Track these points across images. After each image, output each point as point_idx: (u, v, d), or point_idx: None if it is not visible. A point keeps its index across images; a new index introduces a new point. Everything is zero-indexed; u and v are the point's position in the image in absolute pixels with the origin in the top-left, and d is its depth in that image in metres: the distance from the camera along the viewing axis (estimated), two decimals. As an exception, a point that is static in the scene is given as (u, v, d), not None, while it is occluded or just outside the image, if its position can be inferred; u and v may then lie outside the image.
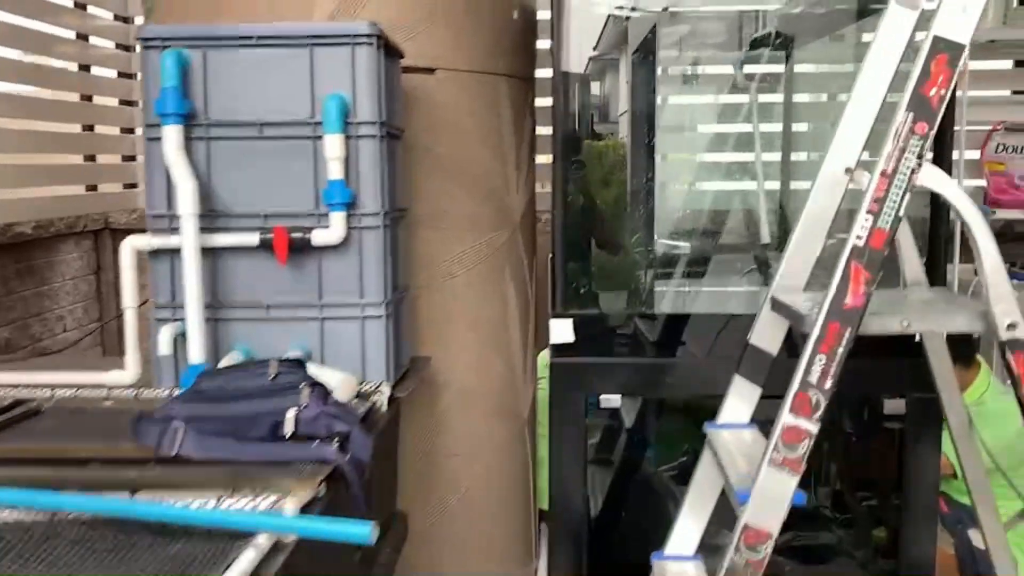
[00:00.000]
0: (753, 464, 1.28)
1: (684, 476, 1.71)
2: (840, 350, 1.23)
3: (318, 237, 1.89)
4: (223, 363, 1.77)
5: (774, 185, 3.01)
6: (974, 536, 2.52)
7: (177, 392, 1.68)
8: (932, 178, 1.23)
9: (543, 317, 2.92)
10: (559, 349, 1.98)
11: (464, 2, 2.42)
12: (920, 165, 1.22)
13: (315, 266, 1.93)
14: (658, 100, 2.94)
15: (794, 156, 3.05)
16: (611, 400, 1.98)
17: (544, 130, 2.74)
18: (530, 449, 2.79)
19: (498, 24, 2.56)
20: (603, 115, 2.94)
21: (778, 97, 2.98)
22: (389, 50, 2.03)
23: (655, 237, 2.53)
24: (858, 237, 1.23)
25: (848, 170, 1.53)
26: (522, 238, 2.72)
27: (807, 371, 1.23)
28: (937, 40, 1.21)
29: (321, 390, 1.54)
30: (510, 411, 2.71)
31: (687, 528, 1.59)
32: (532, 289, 2.79)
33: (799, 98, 2.97)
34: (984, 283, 1.22)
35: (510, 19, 2.59)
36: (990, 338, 2.94)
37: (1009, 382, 2.51)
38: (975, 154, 3.17)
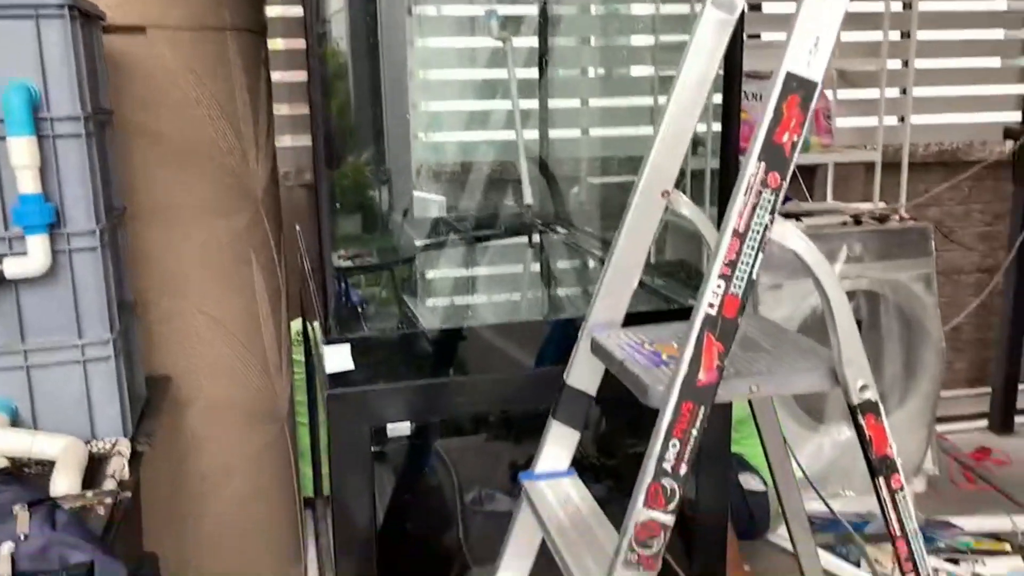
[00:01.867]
0: (597, 557, 1.13)
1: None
2: (694, 432, 1.09)
3: (11, 268, 1.49)
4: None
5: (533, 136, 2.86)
6: (746, 479, 2.61)
7: None
8: (786, 236, 1.10)
9: (294, 287, 2.62)
10: (336, 379, 1.71)
11: (175, -59, 2.00)
12: (773, 221, 1.08)
13: (11, 303, 1.52)
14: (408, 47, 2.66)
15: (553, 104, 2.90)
16: (399, 429, 1.76)
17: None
18: (291, 447, 2.52)
19: (220, -33, 2.15)
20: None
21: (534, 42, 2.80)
22: (86, 14, 1.60)
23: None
24: (710, 305, 1.08)
25: (665, 193, 1.38)
26: (266, 214, 2.38)
27: (660, 459, 1.08)
28: (790, 78, 1.06)
29: (45, 509, 1.19)
30: (268, 414, 2.42)
31: (508, 589, 1.44)
32: (282, 269, 2.47)
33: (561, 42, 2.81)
34: (836, 343, 1.12)
35: (233, -41, 2.18)
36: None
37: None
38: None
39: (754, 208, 1.07)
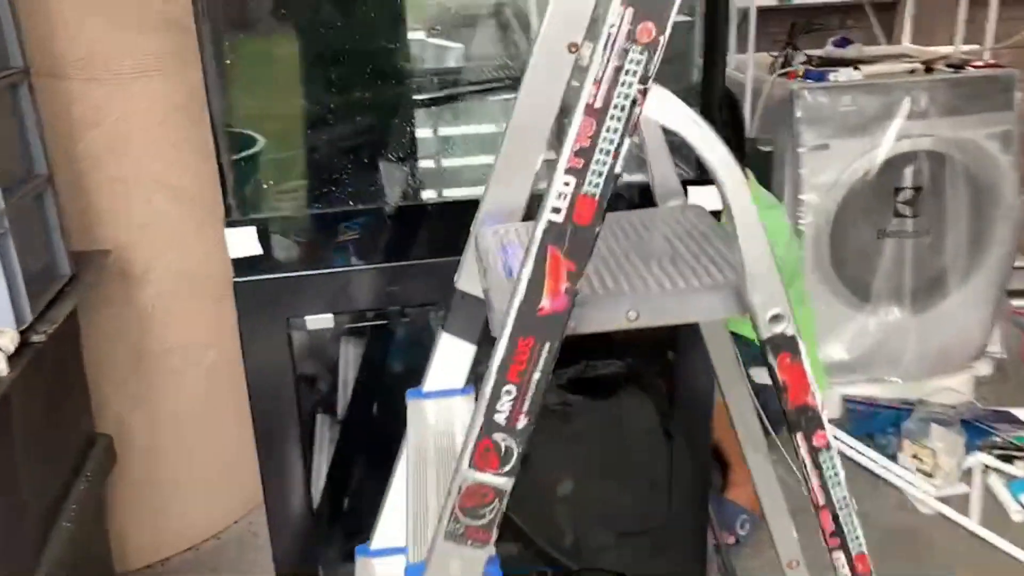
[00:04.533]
0: (443, 496, 0.91)
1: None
2: (537, 375, 0.83)
3: None
4: None
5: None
6: (755, 373, 2.34)
7: None
8: (668, 113, 0.79)
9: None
10: (242, 265, 1.50)
11: None
12: (645, 93, 0.77)
13: None
14: None
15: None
16: (320, 321, 1.55)
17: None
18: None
19: None
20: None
21: None
22: None
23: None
24: (554, 211, 0.79)
25: (573, 46, 1.07)
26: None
27: (491, 408, 0.83)
28: None
29: None
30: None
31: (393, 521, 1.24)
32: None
33: None
34: (740, 260, 0.83)
35: None
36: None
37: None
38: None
39: (617, 73, 0.77)
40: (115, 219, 2.06)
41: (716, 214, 1.60)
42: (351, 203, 1.56)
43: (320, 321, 1.58)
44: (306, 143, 1.61)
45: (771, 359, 0.86)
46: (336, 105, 1.56)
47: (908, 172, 2.54)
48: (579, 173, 0.79)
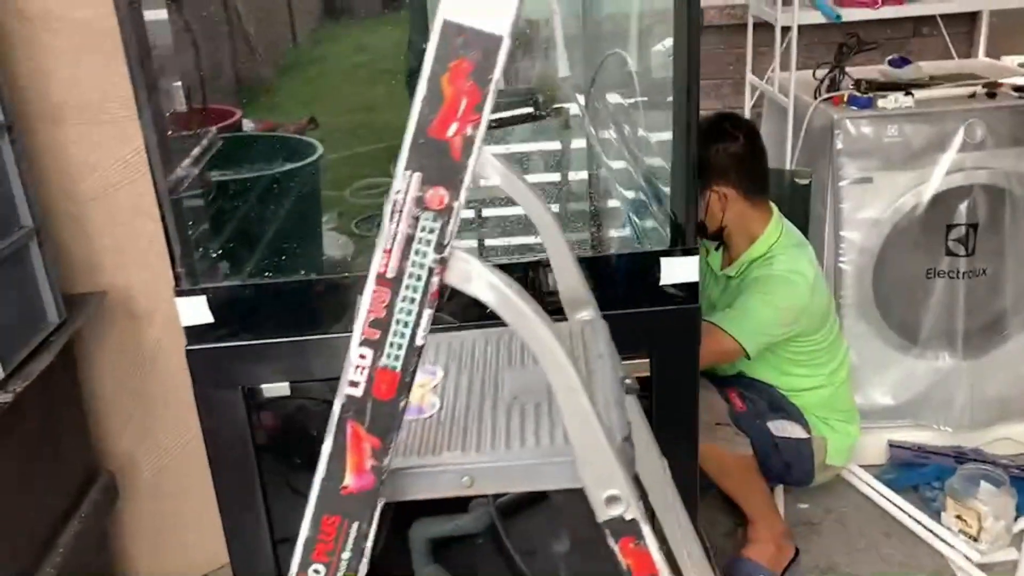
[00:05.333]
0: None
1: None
2: (346, 555, 0.76)
3: None
4: None
5: None
6: (778, 426, 2.20)
7: None
8: (472, 280, 0.71)
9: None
10: (194, 333, 1.48)
11: None
12: (443, 262, 0.69)
13: None
14: None
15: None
16: (276, 389, 1.52)
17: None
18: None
19: None
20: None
21: None
22: None
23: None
24: (352, 384, 0.72)
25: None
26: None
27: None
28: (451, 31, 0.63)
29: None
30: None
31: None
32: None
33: None
34: (567, 434, 0.73)
35: None
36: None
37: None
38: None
39: (409, 242, 0.69)
40: (118, 260, 2.08)
41: (693, 287, 1.50)
42: (303, 272, 1.51)
43: (276, 389, 1.54)
44: (258, 212, 1.57)
45: (611, 543, 0.76)
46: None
47: (962, 208, 2.33)
48: (375, 345, 0.71)
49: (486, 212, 1.97)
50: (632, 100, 2.04)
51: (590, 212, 2.04)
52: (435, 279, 0.70)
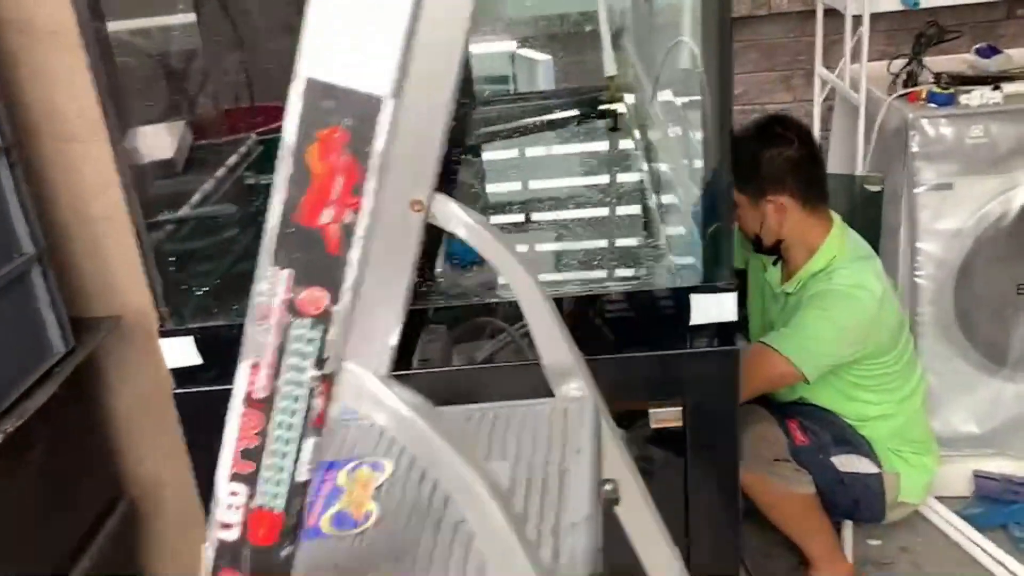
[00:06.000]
0: None
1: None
2: None
3: None
4: None
5: None
6: (844, 461, 1.99)
7: None
8: (362, 403, 0.55)
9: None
10: (182, 376, 1.37)
11: None
12: (328, 379, 0.54)
13: None
14: None
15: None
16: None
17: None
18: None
19: None
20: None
21: None
22: None
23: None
24: (224, 526, 0.57)
25: (417, 204, 0.83)
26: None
27: None
28: (316, 92, 0.48)
29: None
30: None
31: None
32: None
33: None
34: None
35: None
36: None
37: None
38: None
39: (279, 355, 0.54)
40: (134, 280, 1.99)
41: (728, 328, 1.31)
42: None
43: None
44: (242, 249, 1.45)
45: None
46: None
47: (1057, 216, 2.07)
48: (248, 480, 0.57)
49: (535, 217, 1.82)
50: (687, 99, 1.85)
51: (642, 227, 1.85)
52: (318, 401, 0.54)
